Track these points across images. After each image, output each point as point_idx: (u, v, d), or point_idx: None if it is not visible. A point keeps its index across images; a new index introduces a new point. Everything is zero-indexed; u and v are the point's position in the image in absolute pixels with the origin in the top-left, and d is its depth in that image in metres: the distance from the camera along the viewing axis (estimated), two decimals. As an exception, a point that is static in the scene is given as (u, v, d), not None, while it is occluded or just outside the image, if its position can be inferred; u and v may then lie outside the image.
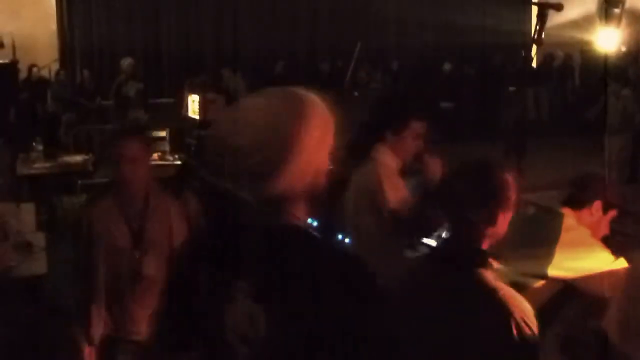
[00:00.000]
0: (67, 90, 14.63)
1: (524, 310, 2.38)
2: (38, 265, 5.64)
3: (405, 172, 4.16)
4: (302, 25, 17.87)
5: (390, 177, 3.99)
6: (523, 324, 2.33)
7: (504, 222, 2.55)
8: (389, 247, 3.96)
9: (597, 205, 3.32)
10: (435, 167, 3.99)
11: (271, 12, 17.73)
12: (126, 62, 13.95)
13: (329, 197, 2.01)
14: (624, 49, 17.53)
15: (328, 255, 1.82)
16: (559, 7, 4.62)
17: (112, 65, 15.34)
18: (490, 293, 2.40)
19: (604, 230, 3.34)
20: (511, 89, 16.13)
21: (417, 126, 4.07)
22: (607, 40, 17.72)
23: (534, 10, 20.39)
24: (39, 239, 6.10)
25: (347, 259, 1.85)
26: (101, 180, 10.27)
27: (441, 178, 3.58)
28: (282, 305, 1.74)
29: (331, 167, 1.94)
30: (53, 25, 16.14)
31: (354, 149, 4.00)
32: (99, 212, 3.84)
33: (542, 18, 4.48)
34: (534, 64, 18.49)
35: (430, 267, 2.64)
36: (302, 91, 1.92)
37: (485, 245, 2.55)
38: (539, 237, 3.19)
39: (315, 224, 3.37)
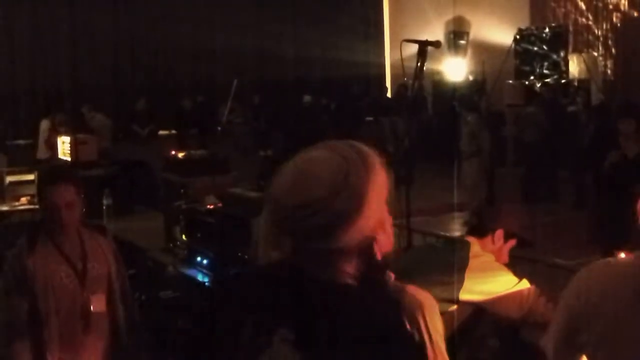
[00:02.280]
0: None
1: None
2: None
3: None
4: (162, 61, 17.81)
5: None
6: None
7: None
8: None
9: (499, 234, 3.58)
10: None
11: (130, 47, 17.67)
12: (-19, 104, 13.61)
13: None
14: (471, 77, 18.46)
15: (368, 317, 1.82)
16: (437, 45, 4.94)
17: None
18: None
19: (505, 257, 3.59)
20: (368, 119, 16.63)
21: None
22: (455, 70, 18.55)
23: (387, 43, 21.18)
24: None
25: (387, 324, 1.86)
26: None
27: None
28: (319, 356, 1.76)
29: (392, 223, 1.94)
30: None
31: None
32: (41, 257, 3.81)
33: (422, 54, 4.76)
34: (389, 95, 19.21)
35: None
36: (361, 144, 1.91)
37: None
38: (449, 264, 3.39)
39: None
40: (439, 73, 18.33)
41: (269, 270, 1.94)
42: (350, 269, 1.85)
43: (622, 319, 2.12)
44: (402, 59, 4.73)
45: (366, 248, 1.85)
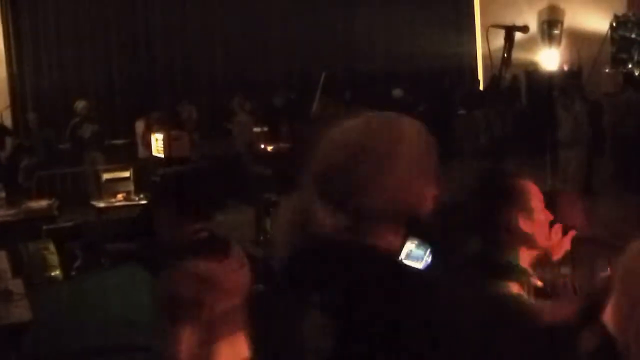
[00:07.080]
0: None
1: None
2: (19, 312, 5.62)
3: None
4: (255, 57, 17.84)
5: None
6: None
7: (537, 231, 2.60)
8: None
9: (557, 228, 3.19)
10: None
11: (223, 46, 17.85)
12: (80, 104, 13.89)
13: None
14: (566, 67, 18.00)
15: (404, 281, 1.83)
16: (524, 30, 4.80)
17: (65, 108, 15.22)
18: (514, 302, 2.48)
19: (560, 252, 3.21)
20: (460, 112, 16.39)
21: None
22: (550, 60, 18.14)
23: (479, 33, 20.85)
24: (18, 286, 6.08)
25: (424, 287, 1.86)
26: (66, 224, 10.23)
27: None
28: (354, 319, 1.78)
29: (436, 195, 1.92)
30: (2, 72, 15.94)
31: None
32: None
33: (509, 40, 4.65)
34: (481, 87, 18.91)
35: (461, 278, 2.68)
36: (397, 115, 1.98)
37: (524, 261, 2.58)
38: None
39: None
40: (532, 63, 17.96)
41: (313, 244, 1.98)
42: (393, 238, 1.88)
43: None
44: (488, 47, 4.62)
45: (402, 216, 1.88)
